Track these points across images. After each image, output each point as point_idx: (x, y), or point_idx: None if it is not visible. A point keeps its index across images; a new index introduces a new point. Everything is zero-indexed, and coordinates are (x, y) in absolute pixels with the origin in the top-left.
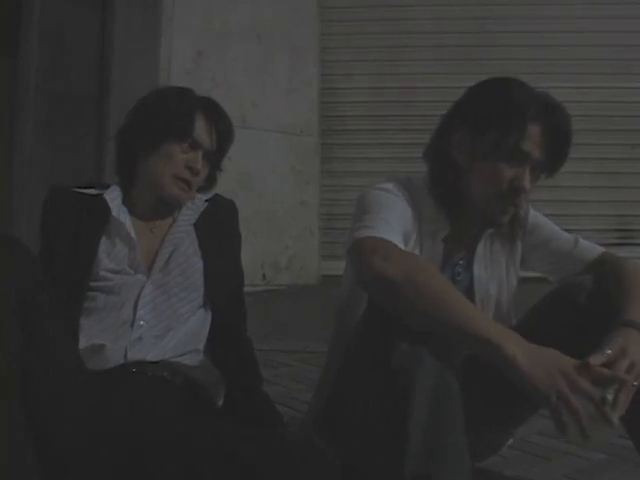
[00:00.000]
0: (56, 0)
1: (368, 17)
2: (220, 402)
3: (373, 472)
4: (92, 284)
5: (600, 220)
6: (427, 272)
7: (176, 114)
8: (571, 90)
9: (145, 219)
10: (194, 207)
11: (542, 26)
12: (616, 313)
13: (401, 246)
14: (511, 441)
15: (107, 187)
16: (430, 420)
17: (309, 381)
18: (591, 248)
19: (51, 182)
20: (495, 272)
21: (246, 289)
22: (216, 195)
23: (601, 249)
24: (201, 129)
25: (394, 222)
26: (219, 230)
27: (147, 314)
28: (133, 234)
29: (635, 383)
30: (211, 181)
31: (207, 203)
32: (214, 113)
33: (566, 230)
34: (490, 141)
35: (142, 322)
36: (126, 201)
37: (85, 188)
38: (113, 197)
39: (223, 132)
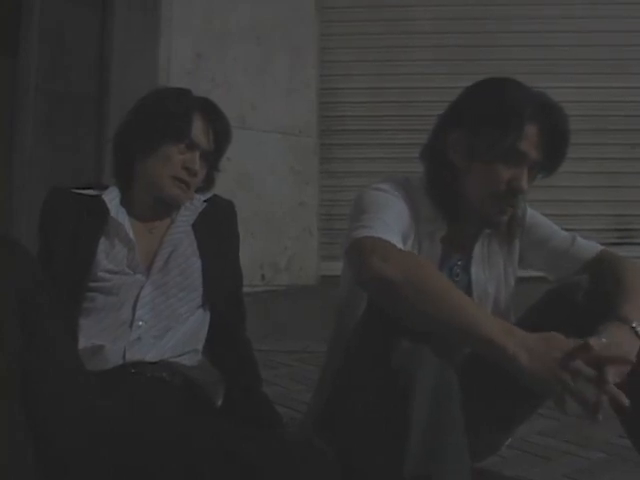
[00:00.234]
0: (56, 0)
1: (367, 17)
2: (219, 402)
3: (373, 472)
4: (91, 285)
5: (599, 220)
6: (427, 271)
7: (174, 115)
8: (570, 90)
9: (144, 220)
10: (192, 208)
11: (541, 26)
12: (613, 311)
13: (400, 246)
14: (510, 440)
15: (106, 188)
16: (430, 420)
17: (309, 381)
18: (589, 246)
19: (51, 182)
20: (493, 272)
21: (245, 289)
22: (214, 195)
23: (599, 247)
24: (198, 130)
25: (392, 222)
26: (218, 230)
27: (146, 314)
28: (132, 235)
29: (618, 380)
30: (209, 182)
31: (205, 204)
32: (211, 113)
33: (565, 230)
34: (487, 141)
35: (141, 322)
36: (124, 202)
37: (84, 189)
38: (111, 198)
39: (220, 132)
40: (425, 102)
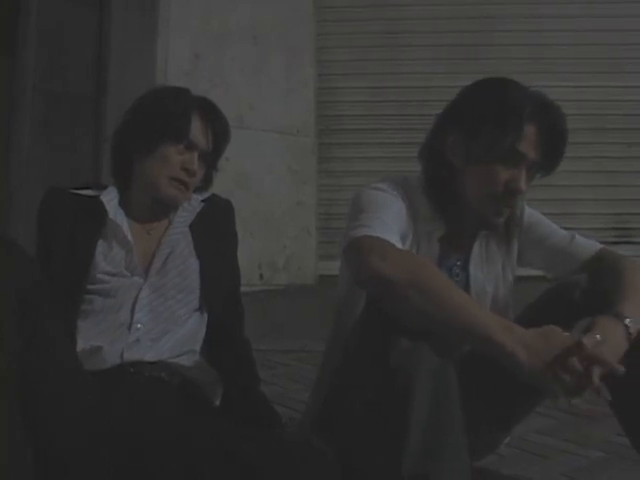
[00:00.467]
0: (54, 0)
1: (365, 17)
2: (217, 402)
3: (372, 471)
4: (89, 287)
5: (597, 219)
6: (427, 271)
7: (172, 115)
8: (568, 89)
9: (142, 221)
10: (190, 208)
11: (539, 25)
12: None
13: (399, 245)
14: (508, 439)
15: (104, 188)
16: (429, 419)
17: (307, 381)
18: (588, 245)
19: (49, 182)
20: (491, 272)
21: (243, 289)
22: (213, 195)
23: (598, 246)
24: (197, 130)
25: (391, 222)
26: (215, 230)
27: (144, 317)
28: (130, 237)
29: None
30: (207, 181)
31: (203, 203)
32: (210, 113)
33: (564, 229)
34: (485, 142)
35: (139, 325)
36: (123, 202)
37: (82, 189)
38: (110, 199)
39: (219, 132)
40: (423, 101)
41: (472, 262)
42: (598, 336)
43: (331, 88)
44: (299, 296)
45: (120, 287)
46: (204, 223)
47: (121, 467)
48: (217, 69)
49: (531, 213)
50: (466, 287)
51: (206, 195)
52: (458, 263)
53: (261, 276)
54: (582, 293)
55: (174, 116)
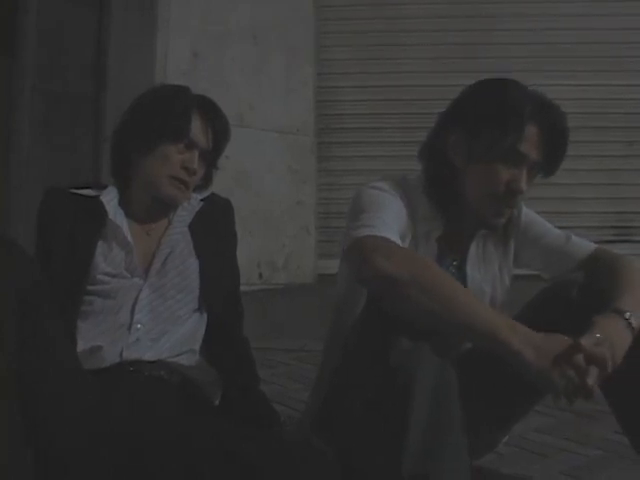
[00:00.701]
0: (53, 0)
1: (364, 16)
2: (217, 402)
3: (371, 471)
4: (89, 287)
5: (599, 217)
6: (430, 269)
7: (172, 114)
8: (568, 87)
9: (141, 221)
10: (189, 207)
11: (539, 24)
12: (608, 305)
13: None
14: (507, 438)
15: (104, 188)
16: (429, 419)
17: (306, 380)
18: (584, 244)
19: (49, 182)
20: (489, 272)
21: (243, 288)
22: (212, 194)
23: (594, 245)
24: (197, 128)
25: (391, 222)
26: (215, 229)
27: (144, 317)
28: (130, 238)
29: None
30: (207, 180)
31: (202, 203)
32: (210, 112)
33: (565, 227)
34: (486, 142)
35: (139, 325)
36: (122, 202)
37: (81, 189)
38: (110, 199)
39: (219, 131)
40: (423, 100)
41: (469, 262)
42: (598, 335)
43: (331, 87)
44: (298, 295)
45: (120, 288)
46: (203, 222)
47: (121, 467)
48: (217, 68)
49: (527, 213)
50: None
51: (205, 194)
52: (454, 263)
53: (260, 275)
54: (579, 291)
55: (174, 115)
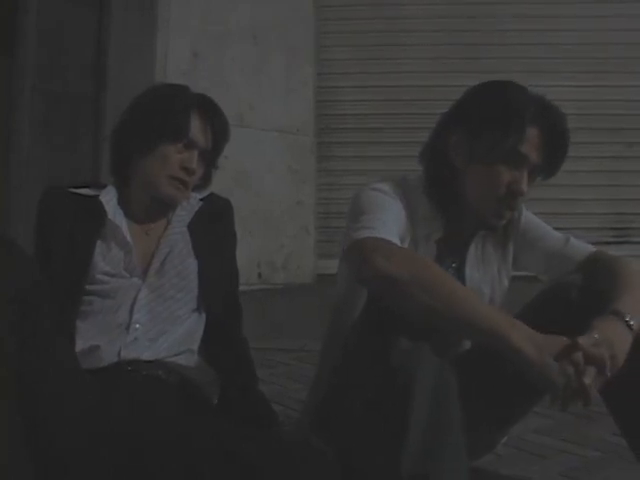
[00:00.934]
0: (53, 0)
1: (365, 15)
2: (215, 402)
3: (371, 471)
4: (88, 287)
5: (598, 218)
6: (430, 269)
7: (171, 113)
8: (568, 88)
9: (140, 221)
10: (188, 207)
11: (539, 25)
12: (608, 306)
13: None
14: (506, 439)
15: (103, 187)
16: (429, 420)
17: (306, 380)
18: (582, 247)
19: (48, 182)
20: (487, 274)
21: (242, 288)
22: (211, 194)
23: (592, 248)
24: (196, 128)
25: (391, 223)
26: (214, 229)
27: (143, 317)
28: (129, 237)
29: (608, 374)
30: (206, 179)
31: (202, 202)
32: (209, 111)
33: (563, 229)
34: (488, 143)
35: (137, 325)
36: (121, 201)
37: (80, 188)
38: (109, 199)
39: (218, 130)
40: (423, 100)
41: (468, 263)
42: (596, 335)
43: (331, 87)
44: (298, 295)
45: (119, 288)
46: (203, 222)
47: (121, 467)
48: (217, 68)
49: (527, 215)
50: None
51: (205, 194)
52: (453, 265)
53: (260, 275)
54: (579, 293)
55: (174, 114)
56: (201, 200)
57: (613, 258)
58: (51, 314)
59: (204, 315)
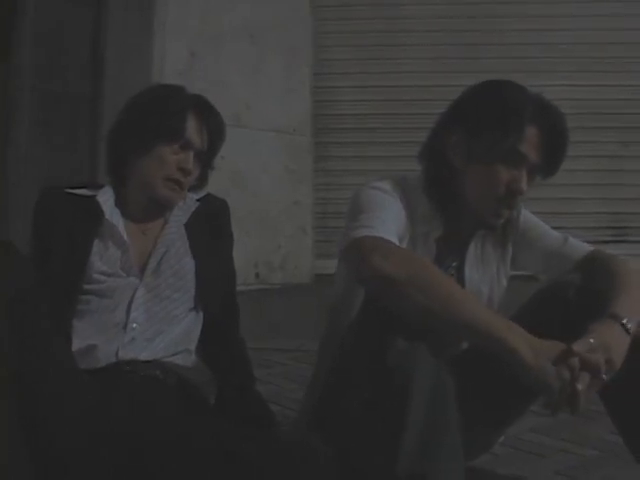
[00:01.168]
0: (51, 0)
1: (363, 15)
2: (212, 402)
3: (368, 471)
4: (85, 287)
5: (594, 218)
6: (428, 269)
7: (168, 114)
8: (564, 88)
9: (137, 221)
10: (185, 207)
11: (536, 24)
12: (605, 308)
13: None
14: (503, 438)
15: (100, 187)
16: (426, 420)
17: (303, 380)
18: (581, 246)
19: (46, 181)
20: (486, 273)
21: (239, 288)
22: (208, 194)
23: (590, 247)
24: (192, 129)
25: (390, 222)
26: (211, 230)
27: (140, 317)
28: (126, 237)
29: (605, 377)
30: (203, 180)
31: (198, 203)
32: (205, 111)
33: (560, 228)
34: (487, 142)
35: (135, 325)
36: (118, 202)
37: (77, 189)
38: (106, 199)
39: (214, 131)
40: (421, 100)
41: (467, 263)
42: (592, 340)
43: (328, 87)
44: (295, 295)
45: (116, 287)
46: (200, 222)
47: (121, 467)
48: (214, 68)
49: (526, 214)
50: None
51: (201, 194)
52: (453, 264)
53: (257, 275)
54: (576, 292)
55: (170, 116)
56: (198, 200)
57: (610, 257)
58: (49, 314)
59: (201, 315)
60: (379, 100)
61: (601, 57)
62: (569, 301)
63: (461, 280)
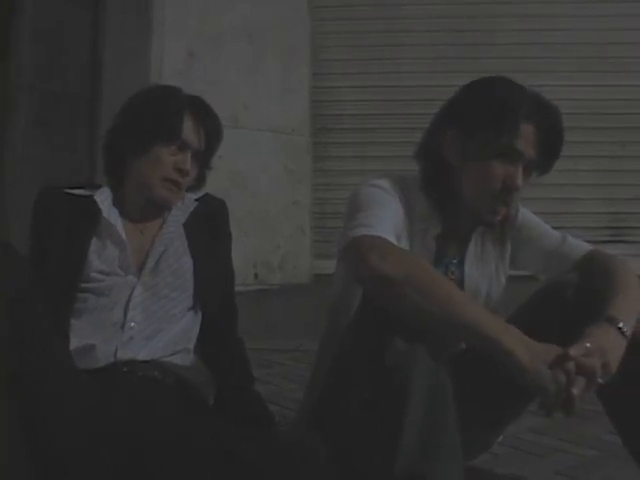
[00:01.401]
0: (49, 1)
1: (361, 16)
2: (211, 402)
3: (366, 471)
4: (83, 285)
5: (593, 218)
6: (425, 270)
7: (164, 115)
8: (563, 88)
9: (135, 220)
10: (184, 207)
11: (535, 24)
12: (602, 310)
13: (395, 244)
14: (501, 438)
15: (97, 188)
16: (424, 420)
17: (302, 380)
18: (579, 245)
19: (44, 181)
20: (485, 270)
21: (238, 288)
22: (206, 194)
23: (589, 246)
24: (189, 129)
25: (388, 220)
26: (209, 230)
27: (137, 315)
28: (124, 235)
29: (601, 381)
30: (200, 180)
31: (197, 203)
32: (201, 112)
33: (559, 228)
34: (482, 140)
35: (133, 324)
36: (116, 202)
37: (75, 189)
38: (103, 198)
39: (211, 131)
40: (419, 100)
41: (467, 260)
42: (588, 344)
43: (326, 87)
44: (294, 295)
45: (114, 286)
46: (198, 222)
47: (121, 467)
48: (212, 68)
49: (524, 213)
50: (460, 285)
51: (200, 194)
52: (454, 261)
53: (256, 275)
54: (574, 292)
55: (166, 117)
56: (196, 200)
57: (608, 257)
58: (47, 314)
59: (200, 314)
60: (378, 100)
61: (601, 57)
62: (567, 301)
63: (460, 277)
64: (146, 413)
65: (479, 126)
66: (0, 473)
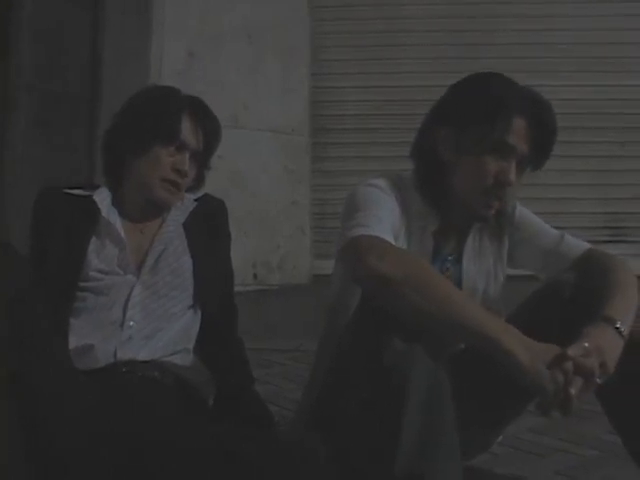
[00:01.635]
0: (48, 1)
1: (361, 16)
2: (210, 402)
3: (365, 471)
4: (82, 284)
5: (591, 218)
6: (423, 269)
7: (163, 115)
8: (561, 88)
9: (134, 220)
10: (183, 207)
11: (535, 24)
12: (599, 309)
13: (394, 243)
14: (501, 438)
15: (96, 188)
16: (423, 420)
17: (301, 380)
18: (577, 244)
19: (43, 181)
20: (483, 267)
21: (237, 289)
22: (206, 195)
23: (587, 245)
24: (187, 130)
25: (386, 220)
26: (208, 230)
27: (137, 315)
28: (123, 234)
29: (599, 381)
30: (200, 180)
31: (196, 203)
32: (200, 112)
33: (558, 228)
34: (475, 135)
35: (132, 323)
36: (115, 202)
37: (74, 189)
38: (102, 198)
39: (210, 132)
40: (419, 101)
41: (465, 256)
42: (586, 344)
43: (326, 87)
44: (293, 295)
45: (113, 285)
46: (197, 222)
47: (121, 467)
48: (212, 69)
49: (522, 211)
50: (458, 281)
51: (199, 194)
52: (450, 257)
53: (255, 276)
54: (572, 291)
55: (165, 117)
56: (195, 200)
57: (606, 256)
58: (47, 314)
59: (199, 313)
60: (378, 100)
61: (601, 57)
62: (566, 300)
63: (458, 273)
64: (146, 413)
65: (472, 121)
66: (0, 473)
